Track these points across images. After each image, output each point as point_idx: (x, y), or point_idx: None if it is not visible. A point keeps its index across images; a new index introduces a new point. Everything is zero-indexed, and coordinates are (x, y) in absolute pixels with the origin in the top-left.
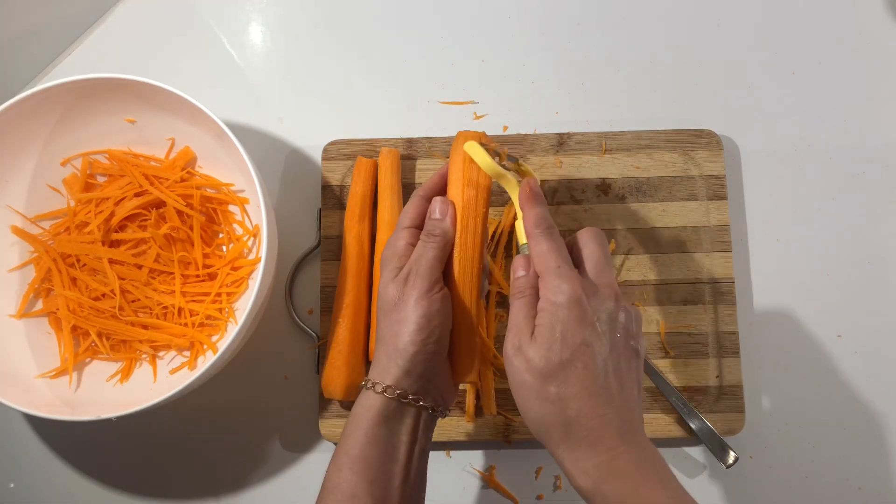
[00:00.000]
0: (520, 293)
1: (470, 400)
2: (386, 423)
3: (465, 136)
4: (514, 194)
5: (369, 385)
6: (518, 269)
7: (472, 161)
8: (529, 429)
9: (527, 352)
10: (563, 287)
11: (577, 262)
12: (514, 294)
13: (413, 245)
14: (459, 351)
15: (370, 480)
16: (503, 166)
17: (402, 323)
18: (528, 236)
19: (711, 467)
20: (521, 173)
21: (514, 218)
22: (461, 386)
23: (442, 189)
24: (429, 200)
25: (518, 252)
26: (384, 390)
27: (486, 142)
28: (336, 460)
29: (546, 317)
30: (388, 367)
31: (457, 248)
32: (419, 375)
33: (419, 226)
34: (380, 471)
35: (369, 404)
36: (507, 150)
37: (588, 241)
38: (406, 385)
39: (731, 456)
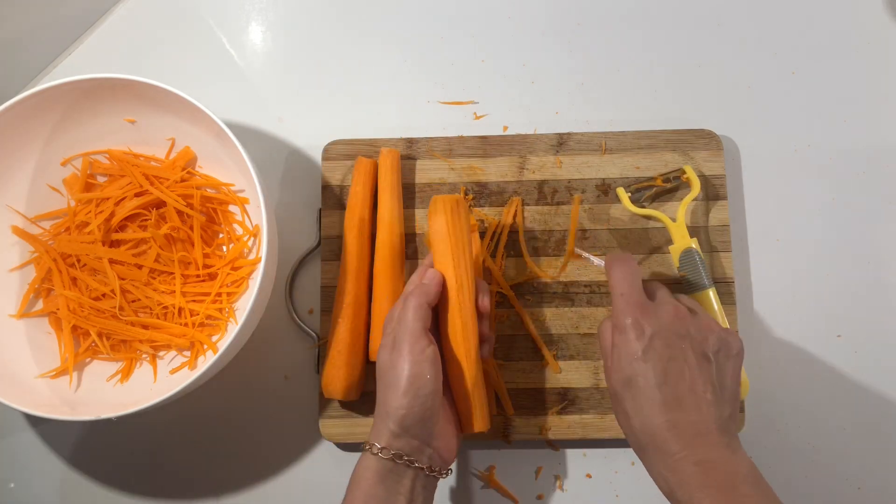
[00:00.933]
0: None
1: None
2: (383, 484)
3: (439, 200)
4: (670, 229)
5: (367, 447)
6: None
7: (450, 223)
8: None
9: (607, 374)
10: (623, 308)
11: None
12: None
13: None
14: (462, 404)
15: None
16: (643, 205)
17: (390, 387)
18: (605, 265)
19: None
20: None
21: (515, 217)
22: None
23: None
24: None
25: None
26: (379, 451)
27: (463, 205)
28: None
29: (615, 339)
30: (382, 429)
31: (452, 306)
32: (412, 437)
33: None
34: None
35: (367, 465)
36: (660, 179)
37: (652, 283)
38: (399, 446)
39: None
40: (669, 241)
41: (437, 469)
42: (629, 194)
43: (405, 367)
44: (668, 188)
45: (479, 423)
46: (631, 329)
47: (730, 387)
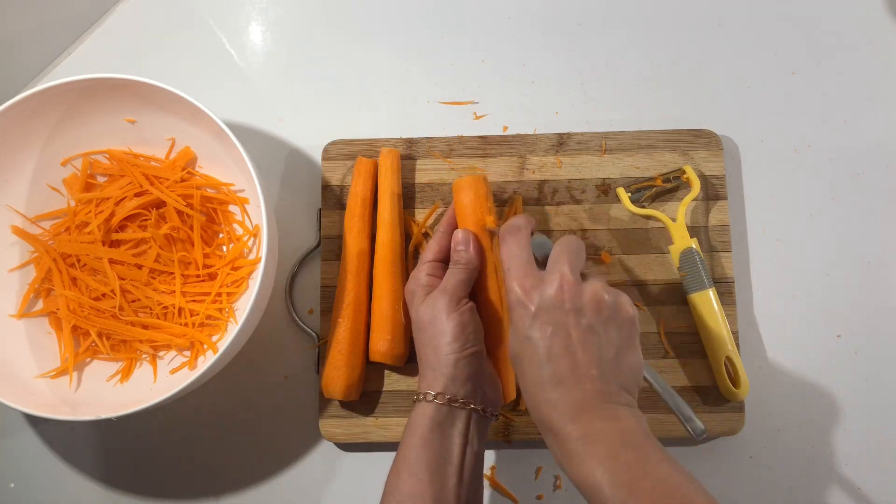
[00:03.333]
0: None
1: None
2: (439, 428)
3: (463, 179)
4: (670, 229)
5: (420, 397)
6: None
7: (475, 201)
8: None
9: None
10: (510, 286)
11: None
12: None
13: (434, 276)
14: (503, 374)
15: (427, 481)
16: (643, 205)
17: (440, 335)
18: (499, 236)
19: (711, 468)
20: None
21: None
22: None
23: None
24: (450, 235)
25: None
26: (434, 397)
27: (485, 185)
28: (394, 466)
29: (510, 315)
30: (435, 377)
31: (490, 272)
32: (464, 380)
33: (440, 259)
34: (436, 472)
35: (422, 412)
36: (660, 179)
37: (555, 245)
38: (454, 390)
39: (699, 425)
40: (669, 241)
41: (488, 410)
42: (629, 194)
43: (453, 316)
44: (668, 188)
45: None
46: (516, 306)
47: (620, 357)
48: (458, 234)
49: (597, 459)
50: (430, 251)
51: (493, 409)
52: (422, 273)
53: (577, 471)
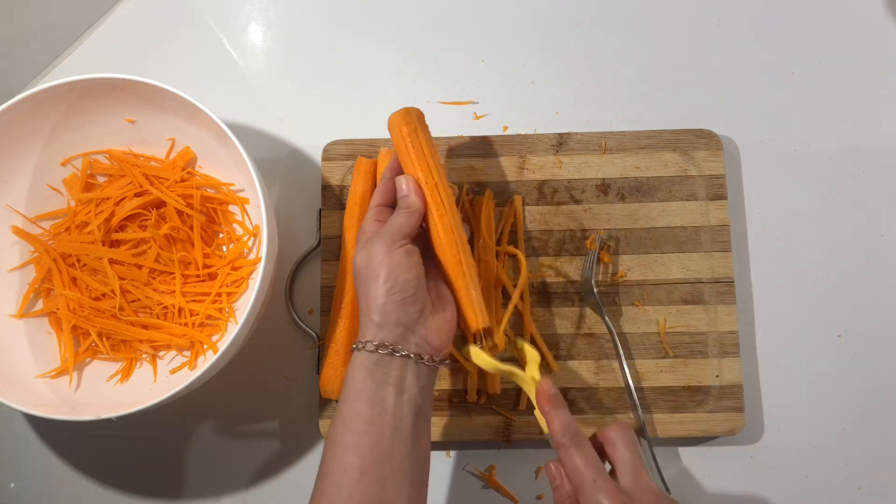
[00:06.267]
0: None
1: (472, 385)
2: (370, 377)
3: (394, 114)
4: (528, 389)
5: (353, 346)
6: (554, 478)
7: (408, 131)
8: None
9: None
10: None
11: (606, 460)
12: None
13: (380, 221)
14: (460, 303)
15: (360, 432)
16: (507, 358)
17: (371, 279)
18: (556, 445)
19: (711, 468)
20: (520, 352)
21: (515, 216)
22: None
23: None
24: (393, 178)
25: (546, 440)
26: (364, 346)
27: (417, 112)
28: (334, 418)
29: None
30: (366, 324)
31: (433, 215)
32: (394, 324)
33: (385, 203)
34: (370, 423)
35: (355, 363)
36: (506, 336)
37: (618, 443)
38: (382, 336)
39: None
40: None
41: (425, 356)
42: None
43: (385, 260)
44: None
45: (475, 319)
46: None
47: None
48: (400, 181)
49: None
50: (375, 196)
51: (433, 356)
52: (367, 221)
53: None
